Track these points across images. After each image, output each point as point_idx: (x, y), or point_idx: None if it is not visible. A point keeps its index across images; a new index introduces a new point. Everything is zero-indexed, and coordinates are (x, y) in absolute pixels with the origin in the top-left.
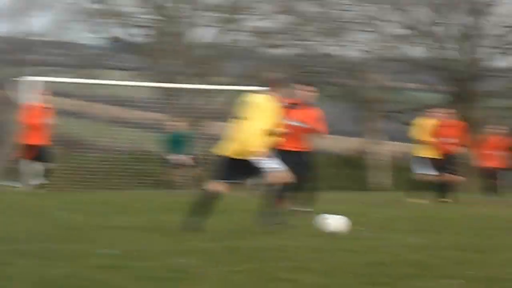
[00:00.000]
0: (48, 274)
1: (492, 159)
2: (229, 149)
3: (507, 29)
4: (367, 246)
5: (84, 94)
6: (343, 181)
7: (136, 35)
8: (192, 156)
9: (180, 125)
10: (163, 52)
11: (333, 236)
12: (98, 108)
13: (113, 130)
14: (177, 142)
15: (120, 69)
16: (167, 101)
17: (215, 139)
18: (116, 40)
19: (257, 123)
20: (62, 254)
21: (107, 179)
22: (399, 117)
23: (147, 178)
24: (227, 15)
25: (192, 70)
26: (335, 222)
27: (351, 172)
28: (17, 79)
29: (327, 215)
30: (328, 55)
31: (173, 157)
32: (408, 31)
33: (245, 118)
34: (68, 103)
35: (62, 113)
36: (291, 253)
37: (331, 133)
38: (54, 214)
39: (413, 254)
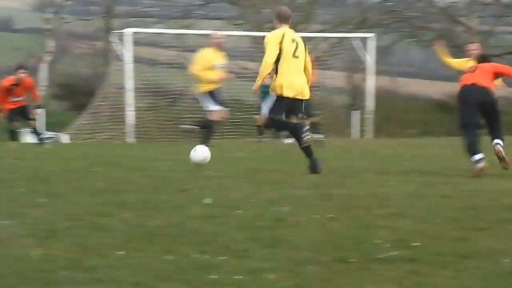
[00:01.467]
0: (147, 225)
1: None
2: None
3: None
4: (461, 191)
5: (177, 44)
6: (435, 126)
7: None
8: None
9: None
10: (253, 1)
11: (427, 182)
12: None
13: None
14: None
15: (212, 18)
16: (261, 49)
17: (315, 87)
18: None
19: None
20: (160, 205)
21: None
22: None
23: (241, 127)
24: None
25: None
26: (199, 154)
27: (443, 117)
28: (113, 31)
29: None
30: (420, 0)
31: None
32: None
33: None
34: (160, 53)
35: (153, 63)
36: (386, 200)
37: (423, 77)
38: (148, 165)
39: (509, 198)
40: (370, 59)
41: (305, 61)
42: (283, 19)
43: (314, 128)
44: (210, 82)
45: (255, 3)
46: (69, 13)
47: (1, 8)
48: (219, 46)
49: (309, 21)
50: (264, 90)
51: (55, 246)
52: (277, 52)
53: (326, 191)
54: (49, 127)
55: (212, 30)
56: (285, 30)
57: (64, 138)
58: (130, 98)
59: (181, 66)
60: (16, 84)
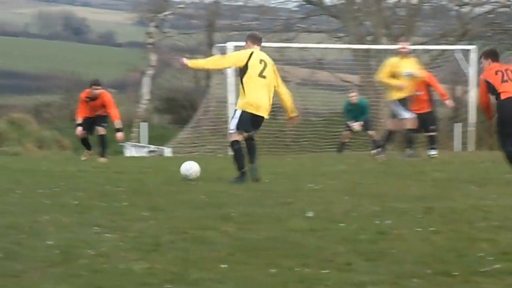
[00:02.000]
0: (250, 238)
1: None
2: None
3: None
4: None
5: (276, 58)
6: None
7: None
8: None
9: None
10: (354, 14)
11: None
12: (290, 71)
13: (305, 92)
14: (357, 110)
15: (313, 31)
16: (362, 62)
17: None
18: (308, 2)
19: None
20: (262, 218)
21: (299, 142)
22: None
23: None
24: None
25: (384, 30)
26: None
27: None
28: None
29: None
30: None
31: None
32: None
33: None
34: None
35: None
36: (488, 213)
37: None
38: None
39: None
40: (472, 71)
41: (275, 81)
42: (255, 40)
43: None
44: (400, 89)
45: (356, 15)
46: (171, 27)
47: (104, 22)
48: (405, 55)
49: (410, 33)
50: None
51: (158, 259)
52: (235, 64)
53: (428, 204)
54: (151, 141)
55: (313, 43)
56: (254, 50)
57: (167, 151)
58: (231, 111)
59: (283, 80)
60: (92, 99)
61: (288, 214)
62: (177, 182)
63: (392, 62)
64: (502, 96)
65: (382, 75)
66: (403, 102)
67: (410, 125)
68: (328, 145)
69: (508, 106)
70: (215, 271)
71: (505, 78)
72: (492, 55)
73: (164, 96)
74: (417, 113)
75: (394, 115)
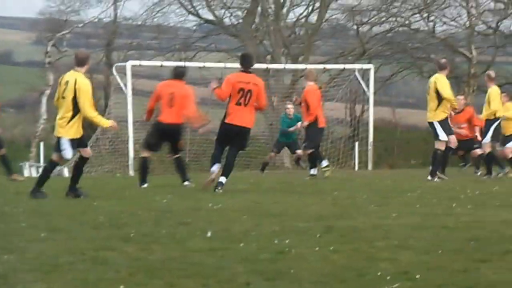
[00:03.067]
0: (149, 259)
1: None
2: None
3: None
4: (463, 222)
5: None
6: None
7: (227, 16)
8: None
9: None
10: (253, 33)
11: (428, 214)
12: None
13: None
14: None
15: (212, 50)
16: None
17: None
18: (206, 22)
19: None
20: (161, 239)
21: (199, 161)
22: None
23: (241, 159)
24: None
25: (283, 49)
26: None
27: None
28: (112, 63)
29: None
30: (420, 31)
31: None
32: (499, 5)
33: None
34: None
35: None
36: (388, 232)
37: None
38: (148, 198)
39: (509, 229)
40: (370, 90)
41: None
42: (78, 63)
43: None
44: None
45: (255, 35)
46: (69, 46)
47: (2, 41)
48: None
49: (309, 52)
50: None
51: (57, 280)
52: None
53: (328, 223)
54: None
55: (212, 62)
56: (69, 73)
57: (66, 171)
58: (130, 131)
59: None
60: None
61: (187, 234)
62: (77, 202)
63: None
64: None
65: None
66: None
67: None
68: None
69: None
70: None
71: None
72: None
73: None
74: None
75: None
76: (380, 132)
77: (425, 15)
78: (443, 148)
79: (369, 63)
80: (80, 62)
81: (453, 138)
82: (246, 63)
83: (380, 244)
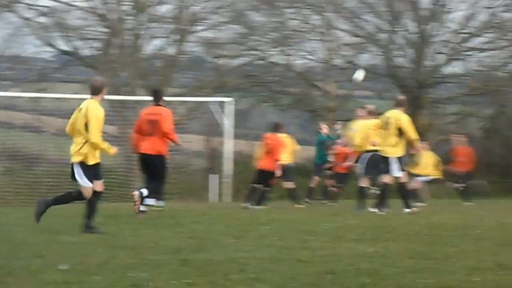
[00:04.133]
0: None
1: (459, 165)
2: None
3: (455, 35)
4: (319, 256)
5: (32, 108)
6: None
7: (84, 47)
8: None
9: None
10: (110, 65)
11: (284, 247)
12: (46, 121)
13: (61, 143)
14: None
15: (68, 82)
16: (119, 113)
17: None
18: (63, 53)
19: None
20: (17, 271)
21: (56, 192)
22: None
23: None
24: (175, 26)
25: (141, 81)
26: None
27: (304, 181)
28: None
29: None
30: (278, 64)
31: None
32: (356, 39)
33: None
34: (16, 117)
35: (10, 126)
36: (244, 265)
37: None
38: (4, 230)
39: (365, 263)
40: (228, 122)
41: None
42: (92, 91)
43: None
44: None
45: (113, 66)
46: None
47: None
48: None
49: (167, 84)
50: None
51: None
52: None
53: (185, 256)
54: None
55: (69, 93)
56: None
57: None
58: None
59: (37, 130)
60: None
61: (42, 267)
62: None
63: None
64: None
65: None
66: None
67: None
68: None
69: None
70: None
71: None
72: None
73: None
74: None
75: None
76: (238, 165)
77: (282, 49)
78: (390, 182)
79: (227, 96)
80: (94, 90)
81: (404, 174)
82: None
83: (236, 277)
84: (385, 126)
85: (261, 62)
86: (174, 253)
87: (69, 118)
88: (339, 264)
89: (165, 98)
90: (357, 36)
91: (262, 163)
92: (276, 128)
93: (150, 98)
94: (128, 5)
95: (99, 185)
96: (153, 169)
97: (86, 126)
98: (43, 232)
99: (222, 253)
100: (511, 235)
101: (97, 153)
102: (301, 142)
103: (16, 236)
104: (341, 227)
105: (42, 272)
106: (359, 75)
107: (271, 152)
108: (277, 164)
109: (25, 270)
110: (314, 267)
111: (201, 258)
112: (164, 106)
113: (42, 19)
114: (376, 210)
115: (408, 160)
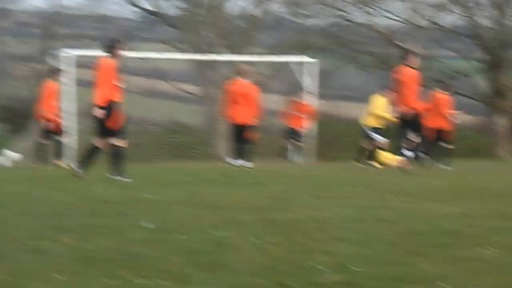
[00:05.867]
0: (86, 249)
1: None
2: None
3: None
4: (401, 216)
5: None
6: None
7: (170, 7)
8: None
9: None
10: (196, 24)
11: (367, 206)
12: (133, 81)
13: (148, 103)
14: None
15: (154, 41)
16: (200, 73)
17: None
18: (150, 12)
19: None
20: (99, 229)
21: (141, 152)
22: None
23: (181, 150)
24: None
25: (225, 41)
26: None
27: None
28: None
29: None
30: (361, 24)
31: None
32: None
33: None
34: None
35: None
36: (326, 225)
37: (364, 101)
38: (89, 188)
39: (448, 223)
40: (311, 83)
41: None
42: None
43: None
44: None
45: (197, 26)
46: (8, 35)
47: None
48: None
49: (250, 44)
50: None
51: None
52: None
53: (267, 215)
54: None
55: (152, 53)
56: None
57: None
58: (72, 121)
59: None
60: None
61: (125, 224)
62: (11, 192)
63: None
64: None
65: None
66: None
67: None
68: (167, 155)
69: None
70: (53, 282)
71: None
72: None
73: (2, 105)
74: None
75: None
76: (321, 126)
77: (365, 8)
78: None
79: (310, 56)
80: None
81: None
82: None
83: (317, 236)
84: None
85: (345, 22)
86: (256, 212)
87: (157, 77)
88: (421, 224)
89: (248, 58)
90: None
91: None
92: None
93: (236, 57)
94: None
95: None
96: None
97: None
98: (124, 189)
99: (304, 212)
100: None
101: None
102: None
103: (98, 194)
104: (422, 187)
105: (125, 230)
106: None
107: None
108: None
109: (109, 227)
110: (396, 226)
111: (283, 218)
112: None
113: None
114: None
115: None
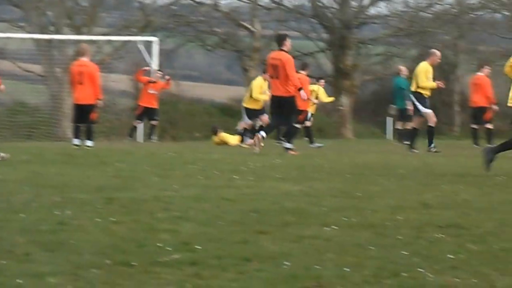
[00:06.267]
0: None
1: None
2: None
3: None
4: (244, 194)
5: None
6: (220, 129)
7: None
8: None
9: None
10: (39, 3)
11: (210, 186)
12: None
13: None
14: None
15: None
16: (45, 52)
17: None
18: None
19: None
20: None
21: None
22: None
23: (25, 130)
24: None
25: (67, 21)
26: None
27: (227, 120)
28: None
29: None
30: (203, 4)
31: None
32: None
33: None
34: None
35: None
36: (170, 204)
37: (207, 81)
38: None
39: (292, 202)
40: (154, 62)
41: None
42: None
43: None
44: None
45: (38, 5)
46: None
47: None
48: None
49: (93, 24)
50: None
51: None
52: None
53: (110, 194)
54: None
55: None
56: None
57: None
58: None
59: None
60: None
61: None
62: None
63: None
64: None
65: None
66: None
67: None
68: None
69: None
70: None
71: None
72: None
73: None
74: None
75: None
76: (163, 105)
77: None
78: None
79: (152, 35)
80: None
81: None
82: None
83: (161, 215)
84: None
85: (187, 1)
86: (99, 191)
87: None
88: (264, 203)
89: (92, 37)
90: None
91: None
92: None
93: (77, 37)
94: None
95: None
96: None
97: None
98: None
99: (147, 191)
100: (435, 175)
101: None
102: (227, 82)
103: None
104: (267, 166)
105: None
106: None
107: None
108: None
109: None
110: (239, 205)
111: (126, 197)
112: (287, 52)
113: None
114: None
115: None
